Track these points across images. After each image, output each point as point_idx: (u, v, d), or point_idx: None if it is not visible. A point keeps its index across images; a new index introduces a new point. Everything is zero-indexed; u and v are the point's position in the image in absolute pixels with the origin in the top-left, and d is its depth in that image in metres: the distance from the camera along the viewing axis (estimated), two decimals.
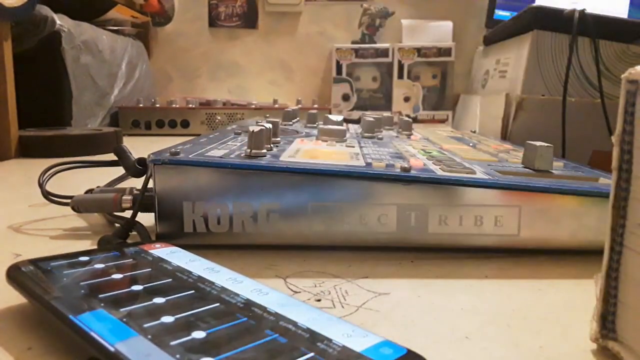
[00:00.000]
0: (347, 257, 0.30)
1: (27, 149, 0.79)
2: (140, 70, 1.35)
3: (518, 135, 0.76)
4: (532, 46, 0.78)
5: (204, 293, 0.20)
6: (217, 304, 0.19)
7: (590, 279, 0.20)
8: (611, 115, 0.71)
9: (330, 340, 0.16)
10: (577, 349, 0.20)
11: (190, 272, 0.22)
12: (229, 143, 0.40)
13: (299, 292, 0.25)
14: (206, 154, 0.33)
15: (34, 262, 0.23)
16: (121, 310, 0.18)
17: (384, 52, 1.36)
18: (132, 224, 0.31)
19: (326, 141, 0.44)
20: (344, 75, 1.37)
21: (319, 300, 0.24)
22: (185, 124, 1.16)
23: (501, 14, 1.21)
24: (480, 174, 0.32)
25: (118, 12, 1.24)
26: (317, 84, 1.52)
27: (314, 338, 0.17)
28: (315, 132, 0.52)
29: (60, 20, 0.94)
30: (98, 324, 0.17)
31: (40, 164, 0.42)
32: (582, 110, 0.73)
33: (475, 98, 1.02)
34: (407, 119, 0.60)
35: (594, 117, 0.71)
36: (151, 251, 0.25)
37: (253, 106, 1.22)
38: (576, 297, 0.25)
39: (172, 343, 0.16)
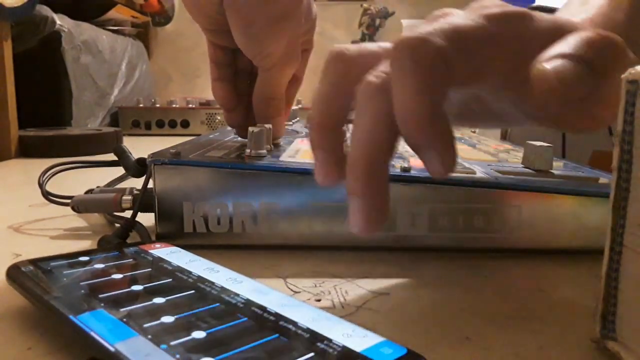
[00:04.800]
0: (347, 257, 0.30)
1: (27, 149, 0.79)
2: (140, 70, 1.35)
3: (518, 135, 0.76)
4: None
5: (204, 293, 0.20)
6: (217, 304, 0.19)
7: (590, 279, 0.20)
8: None
9: (330, 340, 0.16)
10: (577, 349, 0.20)
11: (190, 272, 0.22)
12: (229, 143, 0.40)
13: (299, 292, 0.25)
14: (206, 154, 0.33)
15: (33, 262, 0.23)
16: (121, 310, 0.18)
17: None
18: (132, 224, 0.31)
19: None
20: None
21: (319, 300, 0.24)
22: (186, 124, 1.16)
23: None
24: (480, 174, 0.32)
25: (118, 12, 1.25)
26: (317, 84, 1.52)
27: (314, 338, 0.17)
28: None
29: (60, 20, 0.94)
30: (98, 324, 0.17)
31: (40, 164, 0.42)
32: None
33: None
34: None
35: None
36: (151, 251, 0.25)
37: None
38: (576, 297, 0.25)
39: (172, 343, 0.16)
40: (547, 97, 0.19)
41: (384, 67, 0.20)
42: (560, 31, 0.21)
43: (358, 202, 0.19)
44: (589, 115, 0.22)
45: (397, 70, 0.19)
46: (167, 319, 0.18)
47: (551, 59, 0.19)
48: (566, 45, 0.19)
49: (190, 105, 1.18)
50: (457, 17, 0.21)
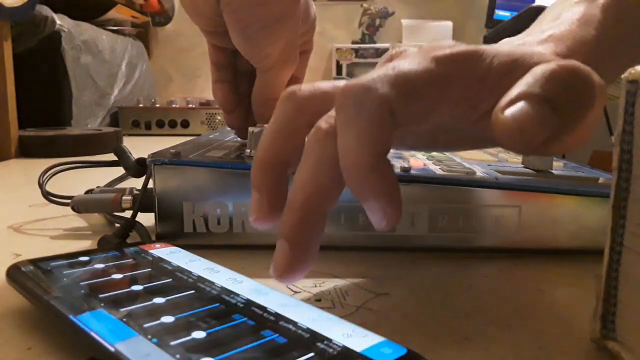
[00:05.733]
0: (347, 257, 0.30)
1: (27, 149, 0.79)
2: (140, 70, 1.35)
3: None
4: None
5: (204, 293, 0.20)
6: (217, 304, 0.19)
7: (590, 279, 0.20)
8: (611, 115, 0.71)
9: (330, 340, 0.16)
10: (577, 349, 0.20)
11: (190, 272, 0.22)
12: (229, 143, 0.40)
13: (299, 292, 0.25)
14: (206, 154, 0.33)
15: (33, 262, 0.23)
16: (121, 310, 0.18)
17: (384, 52, 1.36)
18: (132, 224, 0.31)
19: None
20: (344, 75, 1.37)
21: (319, 300, 0.24)
22: (185, 124, 1.16)
23: (501, 14, 1.21)
24: (480, 174, 0.32)
25: (118, 12, 1.25)
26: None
27: (314, 338, 0.17)
28: None
29: (60, 20, 0.94)
30: (98, 324, 0.17)
31: (40, 164, 0.42)
32: None
33: None
34: None
35: None
36: (151, 251, 0.25)
37: None
38: (576, 297, 0.25)
39: (172, 343, 0.16)
40: (509, 145, 0.18)
41: (334, 112, 0.19)
42: (517, 64, 0.20)
43: (285, 247, 0.18)
44: (559, 147, 0.20)
45: (341, 118, 0.18)
46: (167, 319, 0.18)
47: (511, 103, 0.17)
48: (525, 84, 0.18)
49: (190, 105, 1.18)
50: (405, 61, 0.20)
